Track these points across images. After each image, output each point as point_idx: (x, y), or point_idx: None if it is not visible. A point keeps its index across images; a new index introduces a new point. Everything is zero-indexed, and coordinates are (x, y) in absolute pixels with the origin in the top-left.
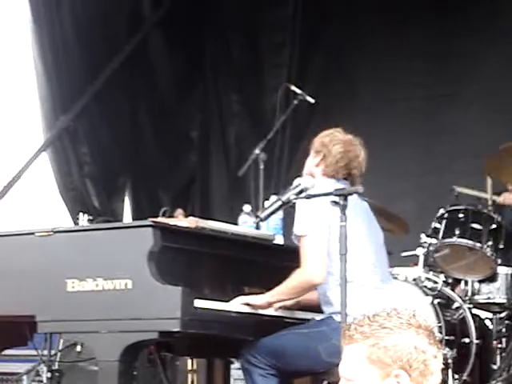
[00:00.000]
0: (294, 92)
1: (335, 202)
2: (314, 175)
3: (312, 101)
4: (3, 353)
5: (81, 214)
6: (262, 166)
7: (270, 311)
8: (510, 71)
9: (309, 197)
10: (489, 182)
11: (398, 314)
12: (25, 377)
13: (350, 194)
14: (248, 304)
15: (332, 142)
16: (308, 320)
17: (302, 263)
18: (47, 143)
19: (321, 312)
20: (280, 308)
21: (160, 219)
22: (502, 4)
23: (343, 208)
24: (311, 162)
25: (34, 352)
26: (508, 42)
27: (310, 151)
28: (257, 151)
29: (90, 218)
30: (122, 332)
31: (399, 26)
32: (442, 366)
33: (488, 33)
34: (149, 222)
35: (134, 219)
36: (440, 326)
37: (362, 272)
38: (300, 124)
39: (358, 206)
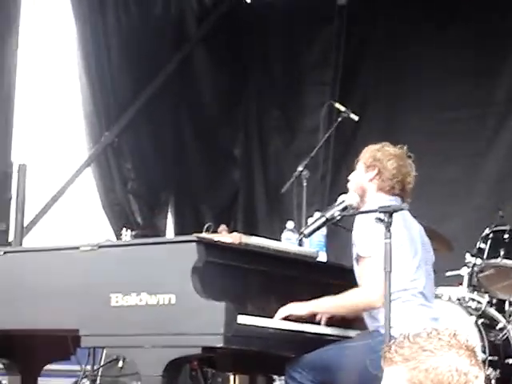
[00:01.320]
0: (337, 110)
1: (380, 220)
2: (366, 190)
3: (356, 118)
4: (46, 367)
5: (124, 229)
6: (305, 183)
7: (314, 328)
8: None
9: (354, 214)
10: None
11: (439, 335)
12: None
13: (396, 211)
14: (290, 315)
15: (386, 156)
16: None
17: (365, 284)
18: (91, 159)
19: (358, 329)
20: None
21: (204, 235)
22: None
23: (388, 225)
24: (363, 177)
25: (76, 367)
26: None
27: (358, 165)
28: (300, 168)
29: (133, 233)
30: (166, 347)
31: (442, 44)
32: None
33: None
34: (193, 237)
35: (176, 235)
36: (484, 347)
37: (408, 289)
38: (343, 141)
39: (412, 223)
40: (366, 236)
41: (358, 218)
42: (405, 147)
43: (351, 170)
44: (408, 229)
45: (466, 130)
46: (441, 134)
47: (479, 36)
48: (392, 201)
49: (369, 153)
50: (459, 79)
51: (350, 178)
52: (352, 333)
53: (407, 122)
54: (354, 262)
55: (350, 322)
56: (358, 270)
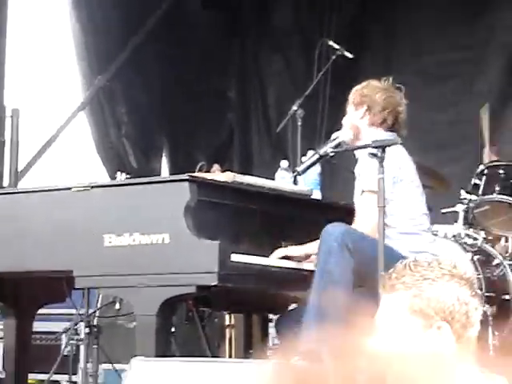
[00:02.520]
0: (332, 47)
1: (373, 154)
2: (360, 129)
3: (350, 56)
4: (41, 311)
5: (118, 172)
6: (299, 122)
7: (309, 265)
8: None
9: (346, 150)
10: None
11: (440, 265)
12: (63, 335)
13: (389, 146)
14: (286, 256)
15: (373, 90)
16: None
17: (360, 219)
18: (85, 103)
19: None
20: None
21: (196, 174)
22: None
23: (381, 160)
24: (354, 116)
25: (72, 311)
26: None
27: (348, 107)
28: (294, 107)
29: (128, 176)
30: (160, 286)
31: None
32: (482, 321)
33: None
34: (185, 176)
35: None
36: (480, 283)
37: (420, 223)
38: (339, 80)
39: (408, 156)
40: (368, 170)
41: (361, 153)
42: (390, 79)
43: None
44: (411, 164)
45: (459, 73)
46: (439, 77)
47: None
48: (389, 136)
49: (355, 92)
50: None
51: (342, 122)
52: None
53: (404, 63)
54: (356, 197)
55: None
56: (357, 205)
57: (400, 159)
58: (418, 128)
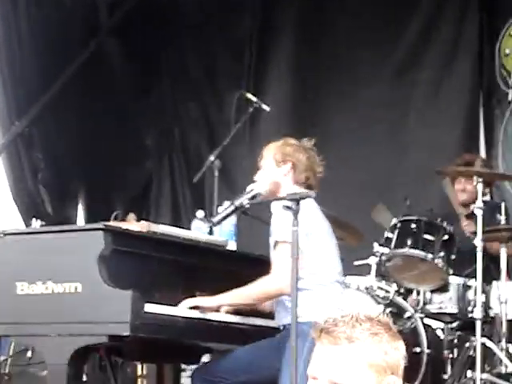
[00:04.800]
0: (250, 100)
1: (287, 207)
2: (280, 185)
3: (267, 109)
4: None
5: (34, 219)
6: (216, 173)
7: (221, 316)
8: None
9: (261, 202)
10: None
11: (379, 320)
12: None
13: (303, 199)
14: (197, 306)
15: (296, 149)
16: (260, 326)
17: (275, 270)
18: (1, 149)
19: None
20: (229, 312)
21: (112, 223)
22: None
23: (295, 213)
24: (276, 172)
25: None
26: None
27: (266, 162)
28: (211, 158)
29: (43, 223)
30: (72, 335)
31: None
32: None
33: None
34: (100, 225)
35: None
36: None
37: (331, 277)
38: (256, 132)
39: (320, 211)
40: (281, 222)
41: (275, 206)
42: (311, 140)
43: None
44: (323, 217)
45: (379, 128)
46: (352, 130)
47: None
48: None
49: (276, 149)
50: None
51: (256, 178)
52: (259, 321)
53: (322, 116)
54: (271, 250)
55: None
56: (273, 257)
57: (311, 213)
58: (332, 181)
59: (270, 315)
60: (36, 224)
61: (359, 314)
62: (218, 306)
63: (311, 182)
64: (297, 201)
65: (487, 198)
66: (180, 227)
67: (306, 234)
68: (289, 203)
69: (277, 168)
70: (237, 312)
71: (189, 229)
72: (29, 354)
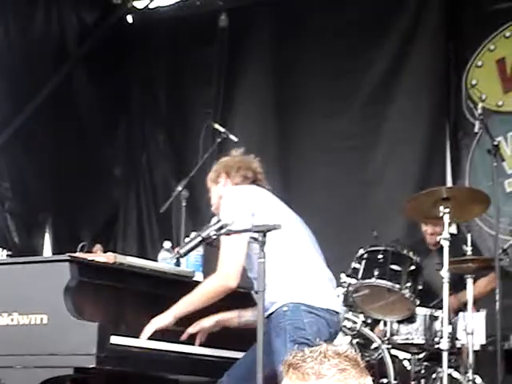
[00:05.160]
0: (217, 130)
1: (254, 239)
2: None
3: (235, 139)
4: None
5: (0, 249)
6: (184, 203)
7: (187, 348)
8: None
9: (229, 233)
10: None
11: (345, 354)
12: None
13: (269, 231)
14: (156, 330)
15: (222, 161)
16: (229, 358)
17: (221, 265)
18: None
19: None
20: (200, 339)
21: (78, 254)
22: None
23: (262, 244)
24: (217, 191)
25: None
26: None
27: (211, 190)
28: (179, 188)
29: (10, 253)
30: (37, 367)
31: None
32: None
33: None
34: (66, 256)
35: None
36: None
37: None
38: None
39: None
40: (231, 207)
41: (225, 193)
42: (238, 150)
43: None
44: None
45: (349, 158)
46: (321, 163)
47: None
48: (253, 187)
49: (210, 174)
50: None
51: (213, 204)
52: (226, 353)
53: (290, 147)
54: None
55: (227, 342)
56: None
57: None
58: (297, 211)
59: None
60: (2, 253)
61: (327, 350)
62: (173, 319)
63: (255, 178)
64: (263, 232)
65: (454, 230)
66: (146, 258)
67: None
68: (255, 235)
69: (216, 186)
70: (207, 343)
71: (155, 260)
72: None
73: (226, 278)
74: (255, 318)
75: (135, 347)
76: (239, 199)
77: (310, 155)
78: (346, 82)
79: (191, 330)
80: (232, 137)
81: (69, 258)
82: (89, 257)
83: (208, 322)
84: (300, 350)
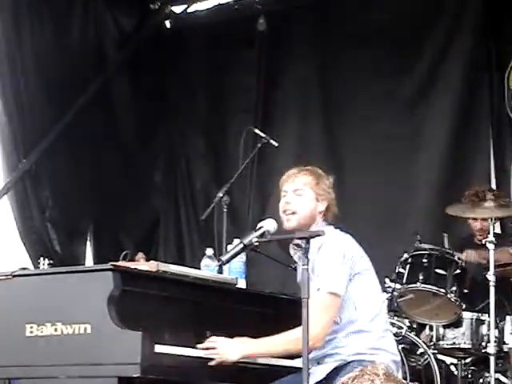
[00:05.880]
0: (258, 135)
1: (298, 246)
2: (315, 221)
3: (276, 144)
4: None
5: (41, 258)
6: (225, 210)
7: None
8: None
9: (271, 240)
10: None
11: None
12: None
13: (312, 237)
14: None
15: (330, 186)
16: (274, 366)
17: (311, 325)
18: (8, 186)
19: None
20: None
21: (120, 263)
22: None
23: (305, 251)
24: (314, 207)
25: None
26: None
27: (306, 192)
28: (220, 194)
29: (51, 262)
30: (81, 377)
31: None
32: None
33: None
34: (109, 265)
35: (95, 264)
36: (405, 372)
37: (380, 323)
38: (263, 168)
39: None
40: (332, 269)
41: (325, 247)
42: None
43: (274, 195)
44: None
45: (393, 161)
46: (364, 164)
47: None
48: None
49: (315, 181)
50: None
51: (293, 201)
52: (272, 360)
53: (331, 150)
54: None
55: None
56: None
57: (354, 249)
58: (342, 215)
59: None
60: (44, 263)
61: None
62: (242, 357)
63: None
64: (307, 239)
65: (498, 229)
66: (186, 266)
67: (349, 275)
68: (298, 241)
69: (316, 202)
70: None
71: (196, 267)
72: None
73: (313, 340)
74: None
75: (179, 356)
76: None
77: (352, 158)
78: (387, 84)
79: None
80: (273, 142)
81: (112, 266)
82: (132, 265)
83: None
84: None
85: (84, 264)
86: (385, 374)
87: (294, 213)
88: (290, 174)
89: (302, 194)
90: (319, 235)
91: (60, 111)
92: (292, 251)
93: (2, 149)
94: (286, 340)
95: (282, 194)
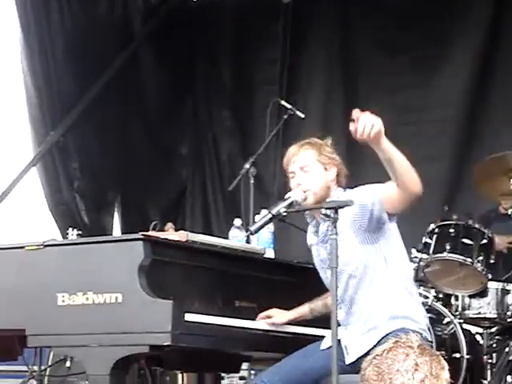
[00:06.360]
0: (284, 107)
1: (327, 215)
2: (331, 189)
3: (302, 115)
4: None
5: (70, 229)
6: (252, 181)
7: (260, 324)
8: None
9: (299, 210)
10: None
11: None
12: None
13: (341, 207)
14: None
15: (332, 152)
16: (301, 334)
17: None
18: (37, 158)
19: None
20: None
21: (150, 233)
22: None
23: (334, 221)
24: (326, 176)
25: (23, 367)
26: None
27: (312, 166)
28: (247, 166)
29: (79, 233)
30: (113, 346)
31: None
32: None
33: None
34: (139, 235)
35: (123, 234)
36: (431, 341)
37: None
38: (291, 139)
39: None
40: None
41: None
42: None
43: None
44: None
45: (416, 132)
46: (391, 135)
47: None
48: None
49: (317, 151)
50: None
51: (303, 179)
52: (300, 329)
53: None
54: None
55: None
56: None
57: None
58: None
59: (310, 323)
60: (73, 234)
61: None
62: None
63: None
64: (335, 209)
65: None
66: (213, 235)
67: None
68: (327, 211)
69: (325, 172)
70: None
71: (222, 237)
72: (67, 364)
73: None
74: (327, 310)
75: (210, 324)
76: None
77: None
78: (409, 58)
79: (263, 324)
80: (299, 113)
81: (142, 236)
82: (161, 235)
83: (280, 320)
84: None
85: (112, 235)
86: (419, 346)
87: (307, 190)
88: (290, 155)
89: (309, 170)
90: (348, 205)
91: (87, 84)
92: (309, 218)
93: (31, 121)
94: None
95: (290, 175)
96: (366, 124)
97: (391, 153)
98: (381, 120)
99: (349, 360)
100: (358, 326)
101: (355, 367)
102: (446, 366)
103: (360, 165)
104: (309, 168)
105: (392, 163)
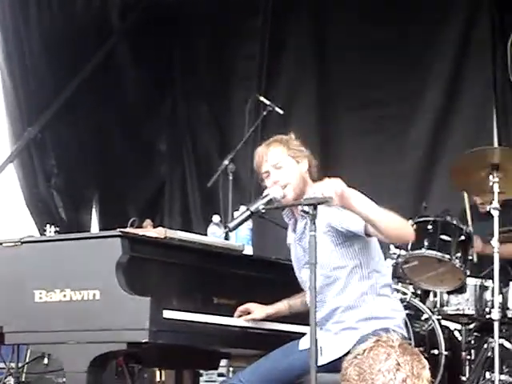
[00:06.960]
0: (263, 103)
1: (305, 212)
2: (307, 182)
3: (281, 112)
4: None
5: (47, 225)
6: (230, 177)
7: (239, 321)
8: None
9: (278, 207)
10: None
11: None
12: None
13: (320, 204)
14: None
15: (300, 145)
16: (280, 331)
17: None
18: (14, 154)
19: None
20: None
21: (128, 229)
22: None
23: (313, 218)
24: (299, 169)
25: (1, 365)
26: None
27: (285, 161)
28: (225, 162)
29: (57, 229)
30: (90, 343)
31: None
32: None
33: None
34: (117, 232)
35: (101, 231)
36: (409, 338)
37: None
38: (270, 135)
39: None
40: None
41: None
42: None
43: None
44: None
45: (390, 127)
46: (366, 131)
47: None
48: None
49: (285, 146)
50: (385, 75)
51: (279, 176)
52: (279, 326)
53: (335, 117)
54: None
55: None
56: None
57: None
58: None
59: (288, 319)
60: (50, 230)
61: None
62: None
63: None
64: (314, 205)
65: None
66: (192, 232)
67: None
68: (306, 208)
69: (298, 165)
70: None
71: (201, 234)
72: (45, 361)
73: (411, 234)
74: (305, 308)
75: (188, 321)
76: None
77: (351, 125)
78: (386, 53)
79: (242, 321)
80: (278, 109)
81: (120, 233)
82: (140, 232)
83: (259, 315)
84: None
85: (90, 231)
86: (400, 345)
87: (286, 185)
88: (260, 155)
89: (282, 166)
90: (327, 201)
91: (65, 80)
92: (286, 218)
93: (8, 117)
94: (389, 213)
95: (265, 175)
96: (326, 190)
97: (366, 214)
98: (342, 183)
99: (321, 361)
100: (332, 326)
101: (328, 369)
102: (427, 365)
103: (334, 161)
104: (281, 164)
105: (372, 222)
